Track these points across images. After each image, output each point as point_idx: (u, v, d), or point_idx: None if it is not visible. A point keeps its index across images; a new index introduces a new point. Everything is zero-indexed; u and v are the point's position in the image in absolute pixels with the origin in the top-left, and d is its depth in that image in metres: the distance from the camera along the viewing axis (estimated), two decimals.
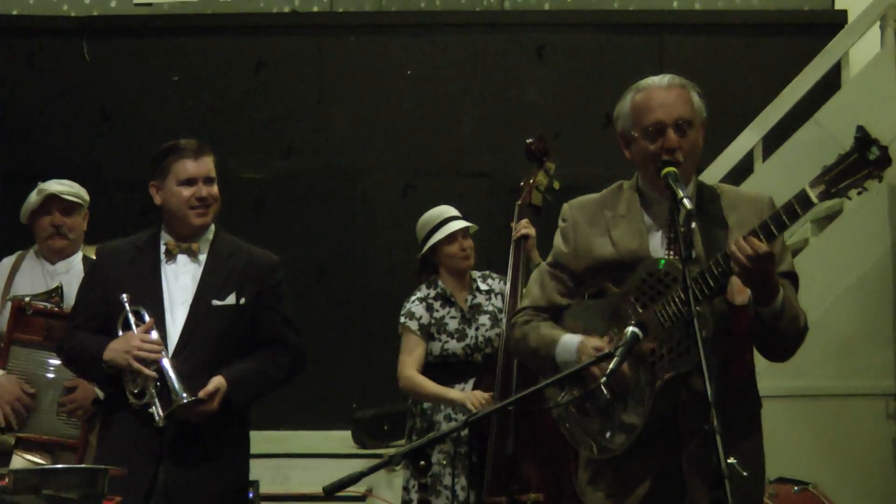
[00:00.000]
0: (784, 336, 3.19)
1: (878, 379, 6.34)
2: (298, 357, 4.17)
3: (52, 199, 4.78)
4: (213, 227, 4.14)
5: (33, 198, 4.82)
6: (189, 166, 4.01)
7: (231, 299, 4.01)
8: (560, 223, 3.46)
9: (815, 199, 2.96)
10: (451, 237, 5.24)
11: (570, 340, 3.27)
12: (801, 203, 2.98)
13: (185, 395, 3.78)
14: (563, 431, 3.37)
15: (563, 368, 3.25)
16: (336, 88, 8.04)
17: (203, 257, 4.06)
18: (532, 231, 5.16)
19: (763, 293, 3.07)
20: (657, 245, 3.26)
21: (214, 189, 4.05)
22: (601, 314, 3.26)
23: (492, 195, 7.59)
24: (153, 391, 3.84)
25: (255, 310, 4.05)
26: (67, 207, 4.83)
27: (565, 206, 3.48)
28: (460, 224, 5.26)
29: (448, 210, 5.37)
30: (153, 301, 3.96)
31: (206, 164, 4.04)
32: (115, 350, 3.88)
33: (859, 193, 3.00)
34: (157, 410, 3.81)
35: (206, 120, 7.92)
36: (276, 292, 4.13)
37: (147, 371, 3.83)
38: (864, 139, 2.92)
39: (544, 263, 3.52)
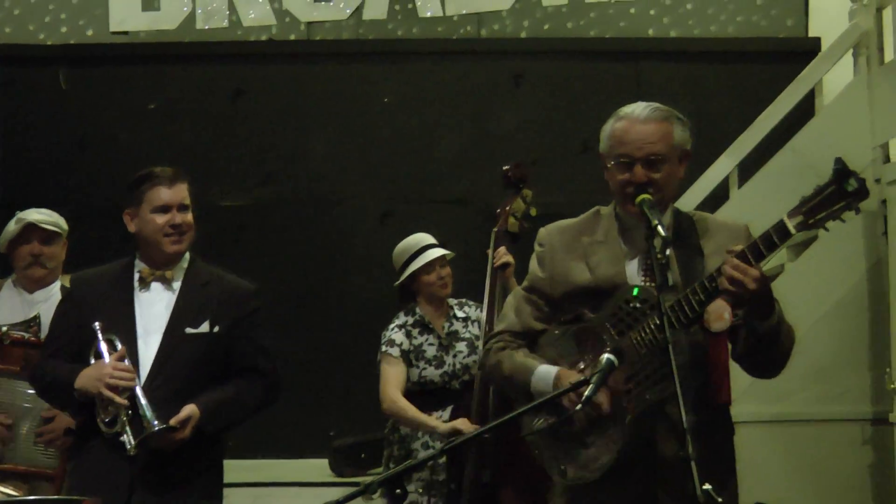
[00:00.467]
0: (781, 350, 3.21)
1: (855, 404, 6.36)
2: (273, 386, 4.14)
3: (32, 228, 4.77)
4: (188, 255, 4.13)
5: (12, 227, 4.81)
6: (163, 193, 4.01)
7: (205, 327, 4.00)
8: (536, 248, 3.47)
9: (792, 230, 2.98)
10: (429, 266, 5.25)
11: (546, 371, 3.27)
12: (778, 233, 2.99)
13: (156, 422, 3.77)
14: (537, 458, 3.36)
15: (537, 398, 3.25)
16: (314, 116, 8.04)
17: (177, 285, 4.06)
18: (511, 259, 5.17)
19: (760, 309, 3.07)
20: (634, 272, 3.27)
21: (189, 216, 4.05)
22: (576, 341, 3.26)
23: (469, 222, 7.59)
24: (125, 419, 3.81)
25: (230, 338, 4.04)
26: (46, 236, 4.82)
27: (542, 230, 3.49)
28: (437, 252, 5.27)
29: (425, 238, 5.37)
30: (126, 329, 3.95)
31: (181, 192, 4.04)
32: (87, 377, 3.86)
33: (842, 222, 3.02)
34: (129, 439, 3.79)
35: (183, 148, 7.90)
36: (251, 321, 4.12)
37: (118, 399, 3.80)
38: (842, 171, 2.93)
39: (520, 288, 3.53)
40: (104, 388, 3.81)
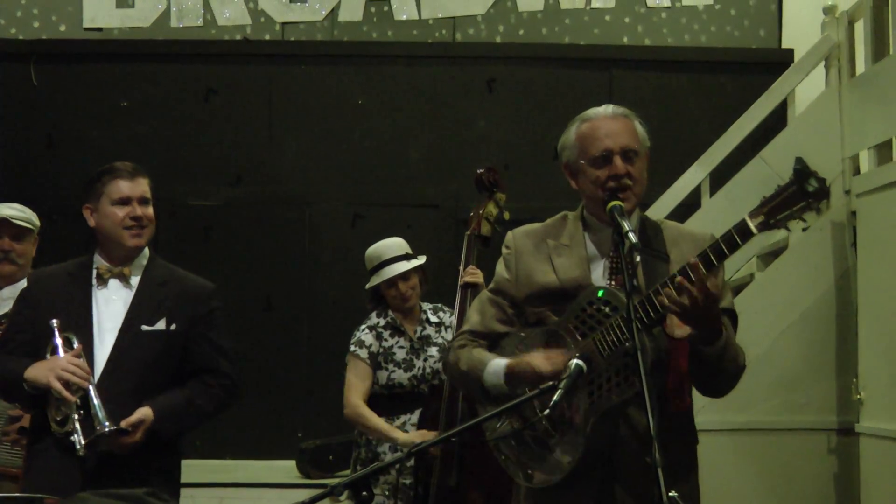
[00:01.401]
0: (724, 375, 3.22)
1: (820, 414, 6.39)
2: (231, 387, 4.06)
3: (3, 224, 4.72)
4: (147, 252, 4.08)
5: None
6: (123, 186, 3.97)
7: (161, 325, 3.94)
8: (503, 250, 3.47)
9: (754, 230, 2.98)
10: (388, 282, 5.22)
11: (497, 364, 3.26)
12: (740, 233, 3.00)
13: (107, 424, 3.70)
14: (500, 461, 3.36)
15: (491, 392, 3.26)
16: (286, 117, 8.03)
17: (135, 282, 4.01)
18: (478, 278, 5.14)
19: (706, 333, 3.08)
20: (599, 275, 3.28)
21: (149, 210, 4.00)
22: (540, 343, 3.26)
23: (441, 226, 7.61)
24: (75, 418, 3.74)
25: (188, 338, 3.99)
26: (18, 233, 4.79)
27: (509, 234, 3.49)
28: (400, 268, 5.22)
29: (391, 250, 5.29)
30: (82, 326, 3.89)
31: (141, 185, 3.99)
32: (39, 368, 3.80)
33: (804, 230, 3.04)
34: (79, 439, 3.71)
35: (154, 147, 7.87)
36: (209, 320, 4.06)
37: (67, 394, 3.73)
38: (802, 171, 2.95)
39: (485, 290, 3.53)
40: (54, 379, 3.73)
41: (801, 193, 2.94)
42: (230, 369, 4.06)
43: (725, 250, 3.02)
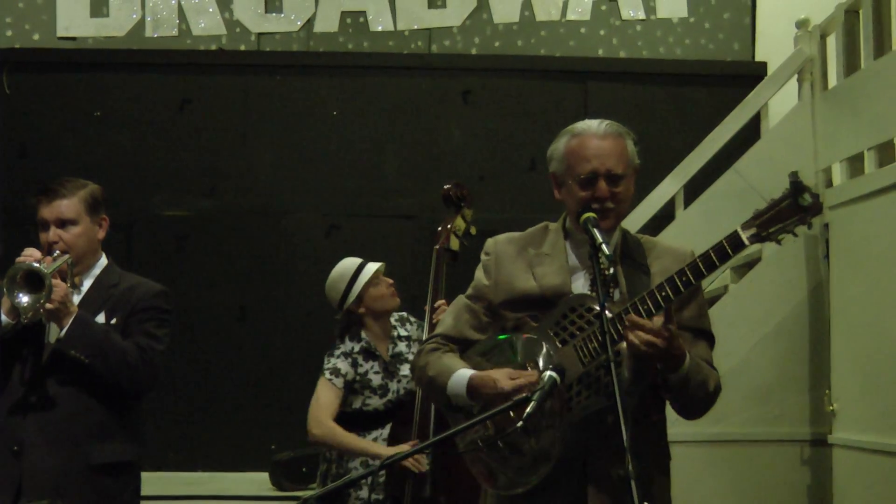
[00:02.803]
0: (692, 400, 3.22)
1: (794, 425, 6.41)
2: (150, 363, 4.09)
3: None
4: (103, 261, 4.24)
5: None
6: (42, 210, 4.14)
7: (101, 318, 4.06)
8: (483, 257, 3.46)
9: (746, 241, 3.01)
10: (375, 278, 5.20)
11: (461, 375, 3.25)
12: (732, 244, 3.01)
13: (24, 298, 3.83)
14: (471, 468, 3.35)
15: (453, 401, 3.25)
16: (261, 128, 8.01)
17: (87, 286, 4.15)
18: None
19: (667, 363, 3.08)
20: (580, 285, 3.27)
21: (67, 234, 4.11)
22: (517, 349, 3.25)
23: (415, 237, 7.60)
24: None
25: (124, 327, 4.09)
26: None
27: (489, 240, 3.48)
28: (375, 265, 5.22)
29: (351, 263, 5.28)
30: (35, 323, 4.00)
31: (57, 208, 4.12)
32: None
33: (778, 242, 3.05)
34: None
35: (128, 156, 7.84)
36: (149, 315, 4.16)
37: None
38: (797, 185, 2.97)
39: (462, 296, 3.51)
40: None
41: (794, 207, 2.96)
42: (156, 354, 4.12)
43: (716, 260, 3.03)
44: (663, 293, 3.05)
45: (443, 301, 5.15)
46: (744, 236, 3.01)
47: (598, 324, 3.08)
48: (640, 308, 3.06)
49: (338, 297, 5.21)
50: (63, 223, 4.09)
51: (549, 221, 3.46)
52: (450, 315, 3.48)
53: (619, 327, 3.06)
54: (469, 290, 3.47)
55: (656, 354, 3.02)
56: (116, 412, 4.11)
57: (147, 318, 4.14)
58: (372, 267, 5.20)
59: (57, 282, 3.88)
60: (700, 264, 3.03)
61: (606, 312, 3.00)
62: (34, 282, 3.84)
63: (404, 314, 5.37)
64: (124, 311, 4.10)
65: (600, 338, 3.02)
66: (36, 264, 3.85)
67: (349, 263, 5.26)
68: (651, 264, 3.30)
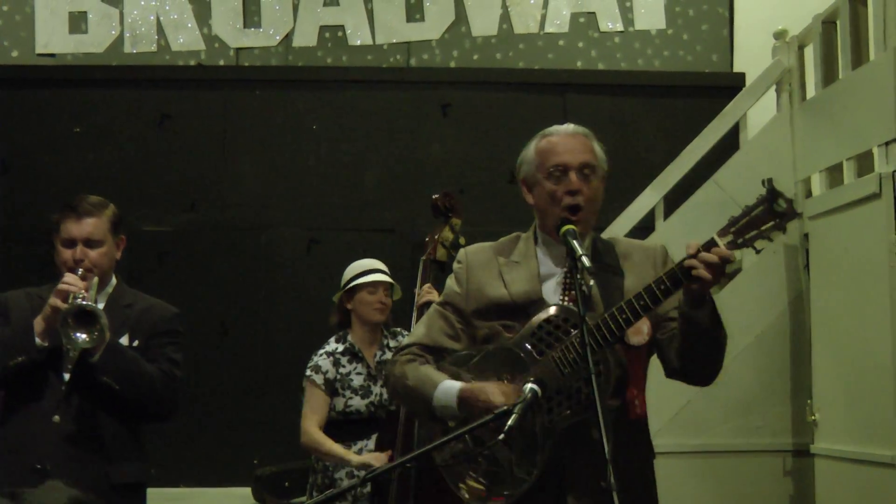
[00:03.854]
0: (721, 336, 3.22)
1: (776, 436, 6.42)
2: (173, 389, 4.15)
3: None
4: (113, 280, 4.23)
5: None
6: (70, 227, 4.10)
7: (125, 340, 4.08)
8: (455, 265, 3.48)
9: (722, 248, 3.01)
10: (373, 286, 5.23)
11: (450, 386, 3.24)
12: (709, 251, 3.02)
13: (81, 336, 3.82)
14: (448, 481, 3.33)
15: (439, 412, 3.24)
16: (241, 142, 8.00)
17: (102, 303, 4.11)
18: (435, 296, 5.16)
19: (699, 296, 3.08)
20: (550, 290, 3.28)
21: (95, 252, 4.10)
22: (495, 360, 3.24)
23: (396, 251, 7.58)
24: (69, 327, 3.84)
25: (145, 350, 4.11)
26: None
27: (461, 250, 3.52)
28: (383, 277, 5.27)
29: (378, 264, 5.37)
30: (54, 329, 3.96)
31: (87, 226, 4.10)
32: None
33: (758, 252, 3.06)
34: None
35: (108, 172, 7.82)
36: (167, 339, 4.20)
37: (61, 303, 3.84)
38: (771, 191, 2.98)
39: (435, 304, 3.51)
40: (54, 296, 3.86)
41: (769, 213, 2.97)
42: (178, 380, 4.18)
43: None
44: (641, 302, 3.06)
45: (427, 285, 5.21)
46: (720, 243, 3.02)
47: (576, 334, 3.08)
48: (619, 317, 3.07)
49: (343, 283, 5.34)
50: (91, 242, 4.09)
51: (520, 232, 3.48)
52: (422, 324, 3.48)
53: (598, 337, 3.06)
54: (441, 298, 3.49)
55: (715, 278, 3.02)
56: (134, 433, 4.18)
57: (167, 341, 4.19)
58: (378, 276, 5.25)
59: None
60: (678, 272, 3.04)
61: (577, 317, 3.01)
62: (86, 317, 3.84)
63: (397, 329, 5.41)
64: (145, 334, 4.13)
65: (580, 349, 3.02)
66: (88, 302, 3.84)
67: (366, 262, 5.36)
68: (623, 264, 3.33)
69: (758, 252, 3.10)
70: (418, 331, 3.48)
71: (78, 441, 3.98)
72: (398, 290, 5.37)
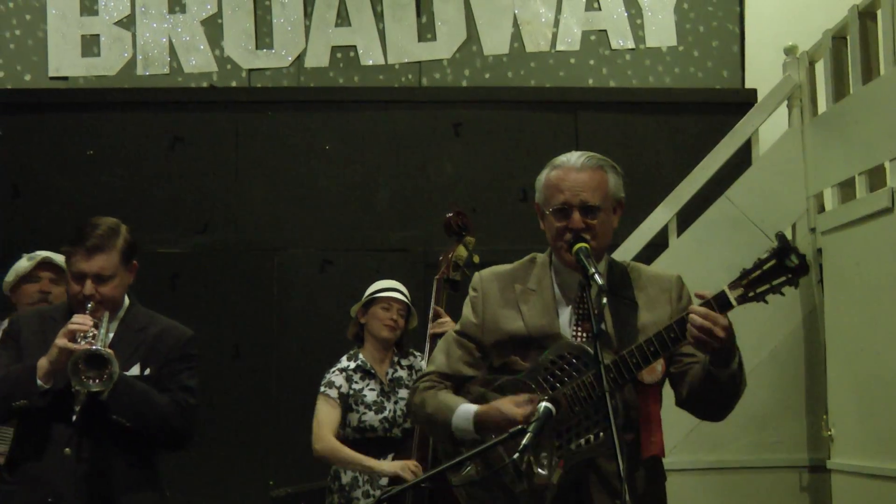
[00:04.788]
0: (736, 393, 3.20)
1: (791, 452, 6.40)
2: (188, 417, 4.08)
3: (44, 266, 4.77)
4: (126, 301, 4.15)
5: (24, 263, 4.86)
6: (80, 262, 4.00)
7: (135, 370, 4.01)
8: (471, 292, 3.46)
9: (733, 302, 3.02)
10: (388, 303, 5.24)
11: (466, 410, 3.25)
12: (720, 304, 3.02)
13: (92, 380, 3.76)
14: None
15: (458, 436, 3.25)
16: (253, 164, 8.02)
17: (113, 328, 4.06)
18: (448, 327, 5.15)
19: (723, 356, 3.07)
20: (566, 321, 3.27)
21: (107, 287, 4.01)
22: (508, 393, 3.23)
23: (409, 271, 7.58)
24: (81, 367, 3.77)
25: (159, 377, 4.05)
26: (57, 277, 4.94)
27: (476, 275, 3.49)
28: (400, 297, 5.28)
29: (401, 286, 5.39)
30: (61, 371, 3.89)
31: (98, 262, 3.98)
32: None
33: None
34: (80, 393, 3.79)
35: (121, 195, 7.84)
36: (182, 364, 4.12)
37: (69, 343, 3.77)
38: (782, 247, 2.97)
39: (452, 331, 3.50)
40: (60, 337, 3.79)
41: (780, 268, 2.96)
42: (194, 409, 4.11)
43: None
44: (652, 348, 3.07)
45: (442, 314, 5.21)
46: (731, 296, 3.02)
47: (587, 373, 3.08)
48: (629, 361, 3.07)
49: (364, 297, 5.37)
50: (101, 278, 3.98)
51: (536, 253, 3.47)
52: (441, 351, 3.48)
53: (616, 376, 3.06)
54: (458, 326, 3.47)
55: (722, 343, 3.01)
56: (148, 462, 4.13)
57: (181, 368, 4.11)
58: (395, 294, 5.26)
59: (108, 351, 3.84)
60: (689, 324, 3.03)
61: (593, 352, 3.00)
62: (96, 360, 3.78)
63: (410, 350, 5.42)
64: (158, 361, 4.05)
65: (594, 385, 3.02)
66: (97, 345, 3.78)
67: (390, 282, 5.40)
68: (638, 296, 3.30)
69: (766, 304, 3.08)
70: (438, 359, 3.47)
71: (90, 473, 3.94)
72: (415, 319, 5.37)
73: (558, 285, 3.33)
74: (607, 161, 3.36)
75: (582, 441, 3.08)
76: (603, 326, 3.14)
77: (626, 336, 3.15)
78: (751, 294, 3.00)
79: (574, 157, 3.34)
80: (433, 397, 3.35)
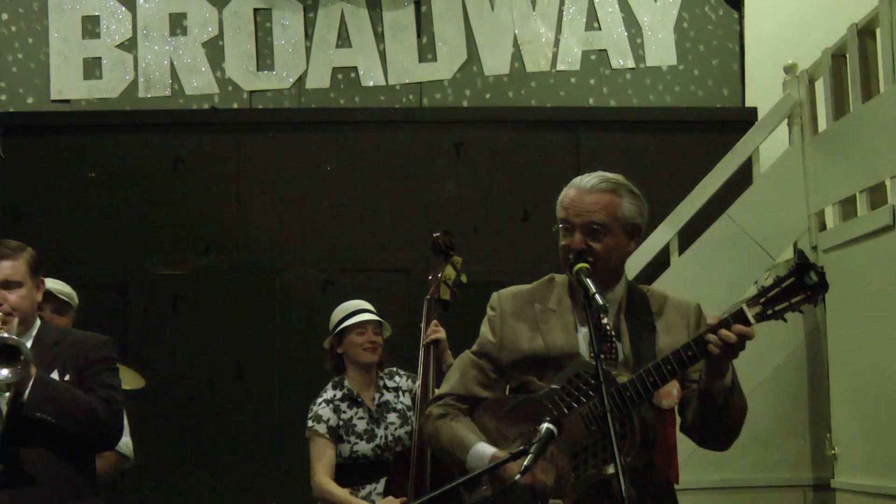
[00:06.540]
0: (734, 415, 3.19)
1: (795, 471, 6.39)
2: (114, 408, 4.07)
3: (46, 297, 4.78)
4: (37, 322, 4.19)
5: None
6: None
7: (55, 376, 4.01)
8: (489, 311, 3.43)
9: (752, 320, 2.99)
10: (361, 327, 5.19)
11: (482, 450, 3.21)
12: (737, 321, 3.00)
13: (4, 372, 3.78)
14: None
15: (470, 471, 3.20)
16: (255, 185, 8.03)
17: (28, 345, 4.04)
18: (442, 334, 5.14)
19: (718, 367, 3.07)
20: (582, 340, 3.26)
21: (13, 295, 4.05)
22: (525, 411, 3.21)
23: (411, 291, 7.58)
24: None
25: (80, 382, 4.04)
26: (60, 306, 4.94)
27: (494, 295, 3.45)
28: (370, 316, 5.22)
29: (363, 304, 5.33)
30: None
31: (6, 269, 4.07)
32: None
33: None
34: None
35: (123, 217, 7.86)
36: (101, 366, 4.12)
37: None
38: (802, 264, 2.95)
39: (468, 351, 3.46)
40: None
41: (800, 286, 2.94)
42: (119, 405, 4.10)
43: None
44: (669, 367, 3.04)
45: (434, 323, 5.17)
46: (749, 314, 2.99)
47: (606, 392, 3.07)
48: (647, 380, 3.05)
49: (331, 328, 5.29)
50: (9, 284, 4.05)
51: (554, 273, 3.45)
52: (456, 371, 3.44)
53: (621, 398, 3.04)
54: (475, 346, 3.43)
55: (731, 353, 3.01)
56: (83, 469, 4.10)
57: (101, 369, 4.11)
58: (364, 316, 5.20)
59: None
60: (700, 344, 3.02)
61: (604, 372, 2.99)
62: (7, 352, 3.79)
63: (394, 369, 5.36)
64: (77, 367, 4.06)
65: (612, 402, 3.00)
66: (7, 335, 3.81)
67: (352, 304, 5.31)
68: (656, 320, 3.28)
69: (785, 321, 3.07)
70: (452, 379, 3.44)
71: (25, 484, 3.90)
72: (388, 328, 5.33)
73: (575, 305, 3.31)
74: (624, 185, 3.32)
75: (598, 462, 3.06)
76: (620, 348, 3.13)
77: (643, 358, 3.13)
78: (769, 312, 2.98)
79: (587, 179, 3.30)
80: (448, 429, 3.31)
